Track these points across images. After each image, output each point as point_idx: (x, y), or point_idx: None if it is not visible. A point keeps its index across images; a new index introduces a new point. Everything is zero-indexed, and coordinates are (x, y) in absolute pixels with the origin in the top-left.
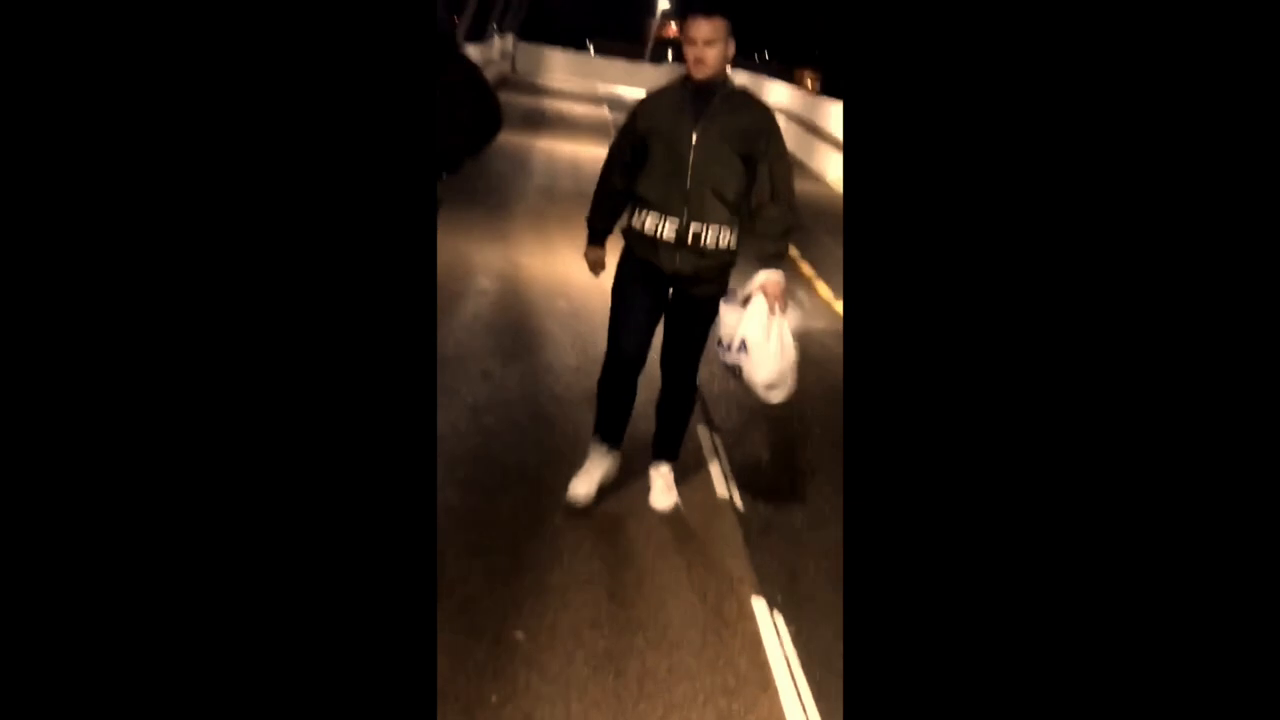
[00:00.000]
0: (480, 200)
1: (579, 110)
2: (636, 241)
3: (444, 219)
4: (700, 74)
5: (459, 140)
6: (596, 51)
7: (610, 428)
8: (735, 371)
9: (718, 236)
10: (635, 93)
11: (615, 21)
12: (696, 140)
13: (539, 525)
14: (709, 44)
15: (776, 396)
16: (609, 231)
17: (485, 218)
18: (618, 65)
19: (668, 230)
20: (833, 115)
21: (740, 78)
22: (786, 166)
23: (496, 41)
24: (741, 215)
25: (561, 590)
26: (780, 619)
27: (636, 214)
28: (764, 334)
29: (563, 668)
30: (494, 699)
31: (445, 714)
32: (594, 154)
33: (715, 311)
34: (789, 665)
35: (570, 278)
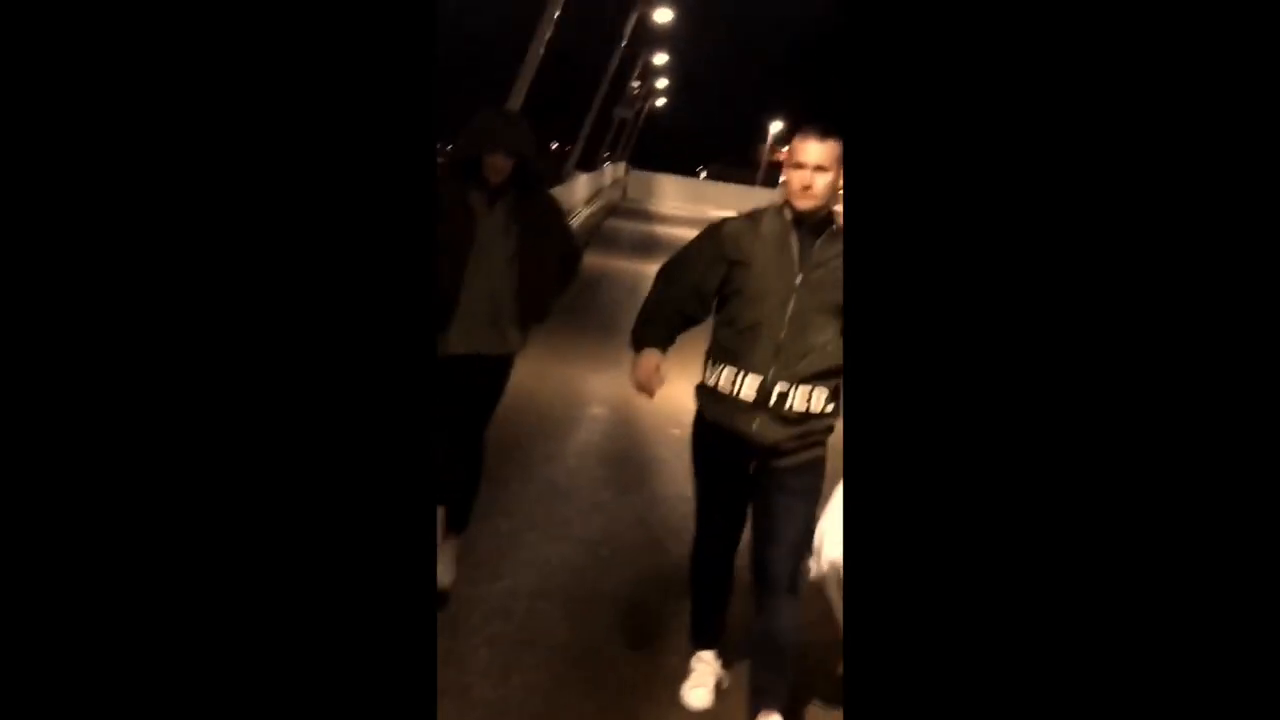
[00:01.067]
0: (592, 328)
1: (690, 235)
2: (710, 404)
3: (556, 345)
4: (805, 204)
5: (546, 284)
6: (708, 177)
7: (702, 630)
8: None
9: (809, 398)
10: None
11: (728, 147)
12: (800, 284)
13: (656, 660)
14: (820, 170)
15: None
16: (669, 340)
17: (597, 345)
18: (730, 189)
19: (747, 389)
20: None
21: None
22: None
23: (608, 170)
24: (840, 377)
25: None
26: None
27: (711, 368)
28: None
29: None
30: None
31: None
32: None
33: (815, 490)
34: None
35: (683, 404)
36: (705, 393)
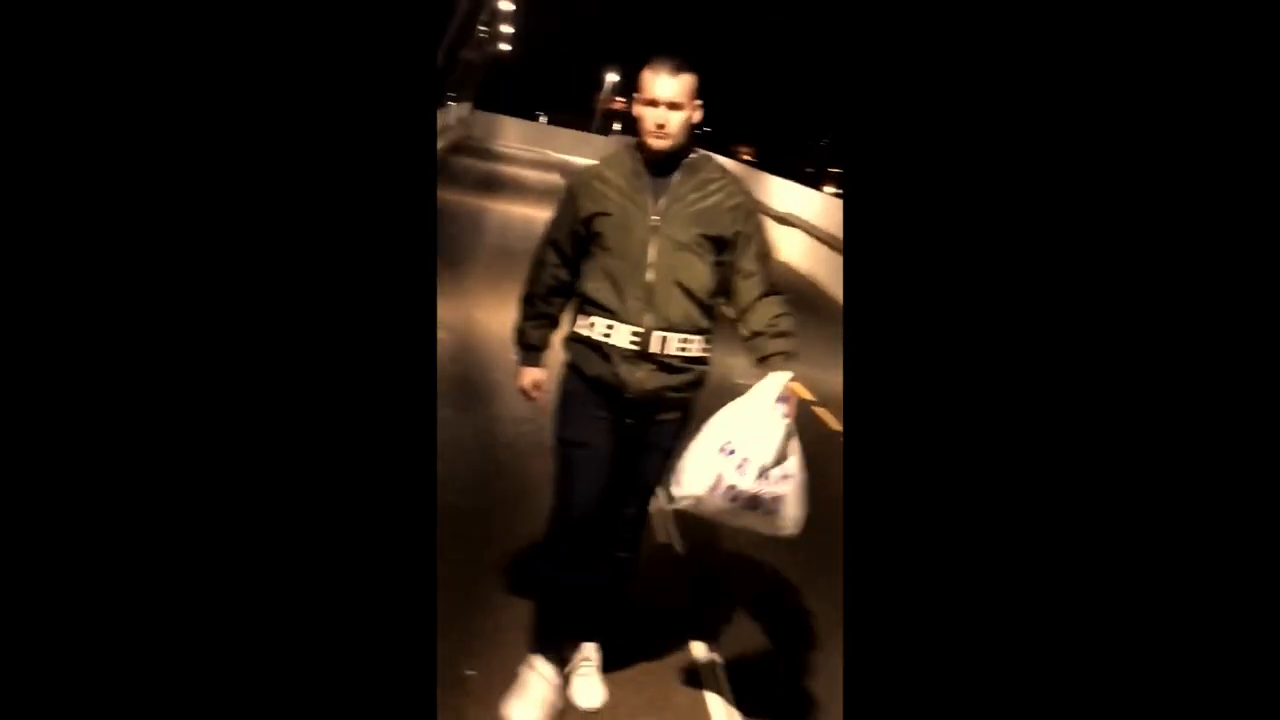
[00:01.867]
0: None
1: (532, 176)
2: (583, 356)
3: None
4: (660, 144)
5: None
6: (549, 122)
7: (553, 633)
8: (759, 504)
9: (685, 346)
10: (586, 161)
11: (567, 95)
12: (658, 224)
13: (482, 576)
14: (674, 107)
15: (772, 487)
16: (545, 345)
17: (442, 275)
18: (567, 134)
19: (621, 337)
20: (771, 188)
21: None
22: (770, 250)
23: (454, 109)
24: (713, 317)
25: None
26: None
27: (581, 319)
28: (759, 431)
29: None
30: None
31: None
32: (547, 217)
33: (672, 447)
34: None
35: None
36: (578, 345)
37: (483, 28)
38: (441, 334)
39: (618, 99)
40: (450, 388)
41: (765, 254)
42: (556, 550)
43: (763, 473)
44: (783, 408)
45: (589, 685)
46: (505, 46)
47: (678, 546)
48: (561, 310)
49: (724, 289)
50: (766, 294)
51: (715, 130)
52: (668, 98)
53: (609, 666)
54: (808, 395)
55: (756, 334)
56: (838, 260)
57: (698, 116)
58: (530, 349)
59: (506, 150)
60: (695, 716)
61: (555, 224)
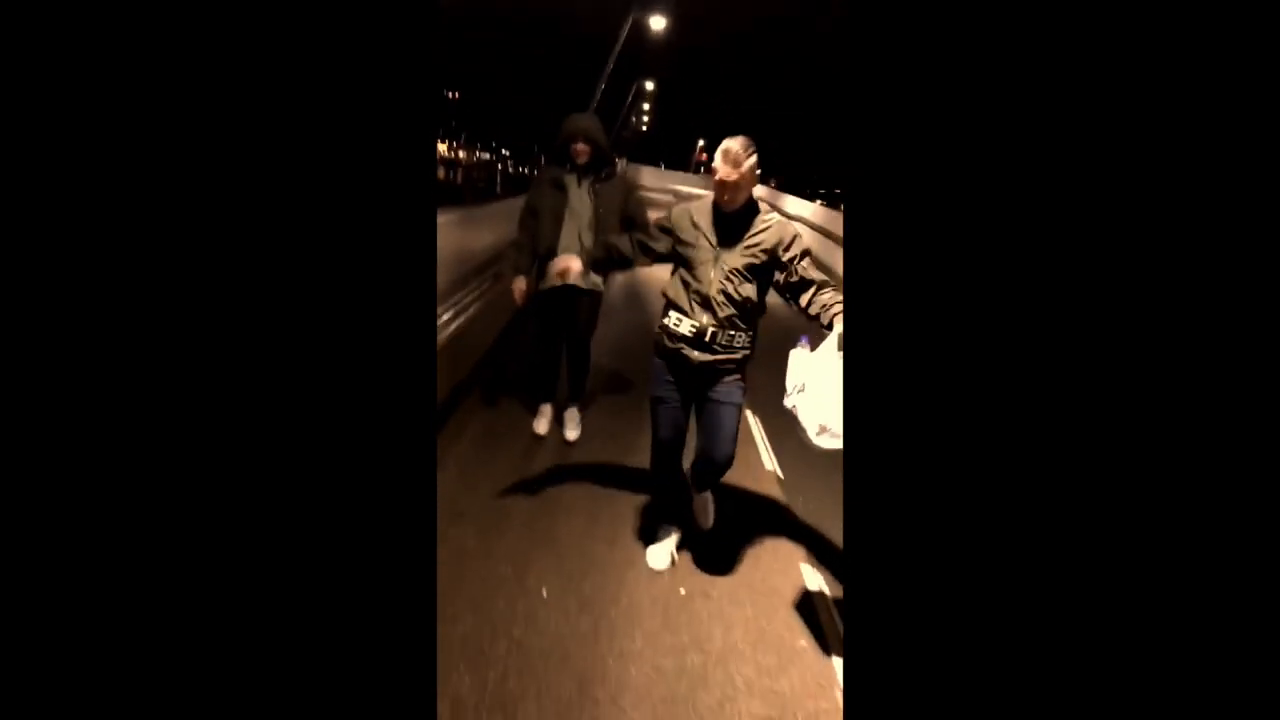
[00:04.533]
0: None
1: (657, 197)
2: (662, 336)
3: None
4: (724, 206)
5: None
6: (664, 167)
7: (666, 508)
8: (797, 417)
9: (731, 338)
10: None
11: (675, 151)
12: (720, 258)
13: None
14: (734, 180)
15: (827, 443)
16: (632, 253)
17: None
18: (677, 175)
19: (686, 328)
20: (788, 201)
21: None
22: (813, 256)
23: (618, 162)
24: (754, 320)
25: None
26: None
27: (664, 313)
28: (826, 377)
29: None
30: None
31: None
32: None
33: (738, 396)
34: None
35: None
36: (661, 330)
37: (634, 118)
38: (619, 278)
39: (703, 154)
40: (626, 295)
41: (812, 261)
42: (655, 468)
43: (787, 392)
44: (805, 347)
45: (663, 551)
46: (644, 128)
47: (779, 475)
48: (637, 258)
49: (784, 293)
50: (821, 284)
51: (764, 169)
52: (731, 176)
53: (723, 592)
54: None
55: (824, 308)
56: (828, 241)
57: (754, 186)
58: (601, 268)
59: (645, 183)
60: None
61: (657, 226)
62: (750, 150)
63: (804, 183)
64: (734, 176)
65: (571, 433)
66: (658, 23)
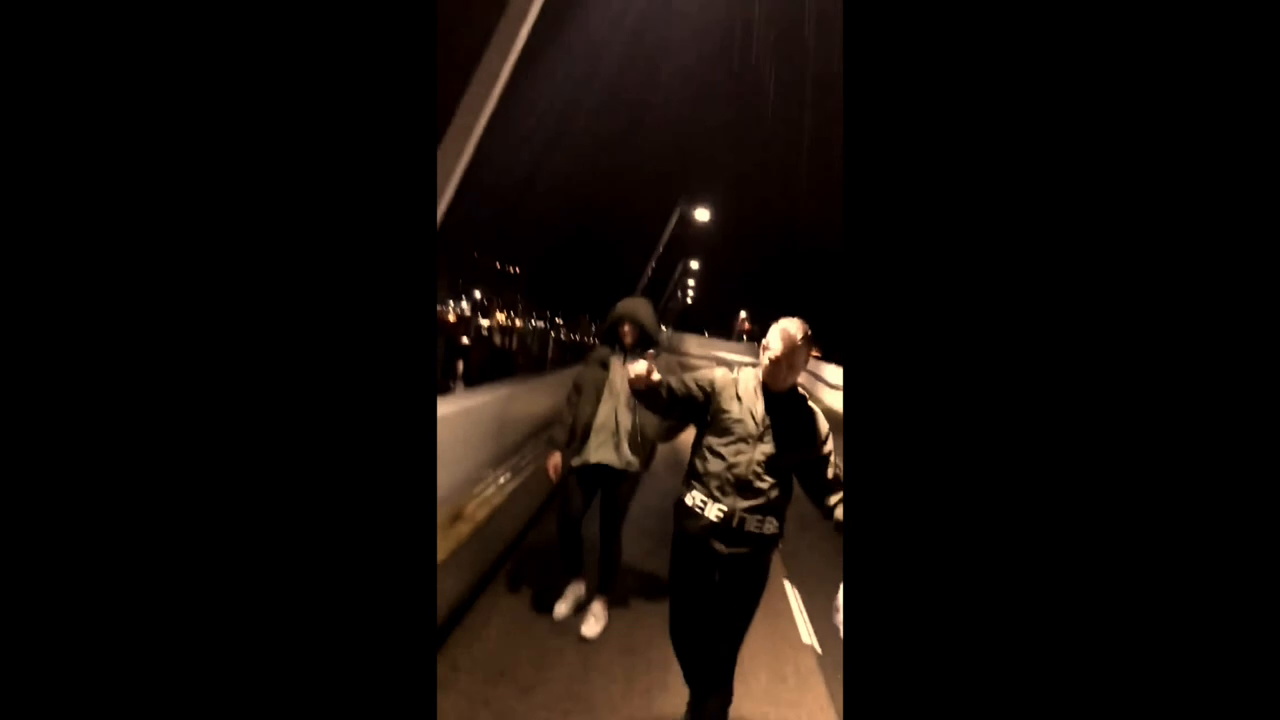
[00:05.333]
0: None
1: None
2: (684, 518)
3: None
4: (769, 381)
5: (652, 423)
6: (709, 335)
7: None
8: None
9: (761, 524)
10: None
11: (719, 320)
12: (761, 438)
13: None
14: (781, 359)
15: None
16: (672, 407)
17: None
18: (721, 343)
19: (714, 512)
20: (828, 371)
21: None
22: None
23: (664, 330)
24: (787, 504)
25: None
26: None
27: (687, 490)
28: None
29: None
30: None
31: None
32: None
33: (759, 587)
34: None
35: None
36: (682, 510)
37: (679, 292)
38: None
39: (746, 323)
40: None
41: (838, 462)
42: (678, 654)
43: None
44: None
45: None
46: (688, 301)
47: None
48: (676, 411)
49: (808, 487)
50: (839, 479)
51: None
52: (787, 357)
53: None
54: None
55: (835, 504)
56: None
57: (801, 366)
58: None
59: (689, 350)
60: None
61: (693, 382)
62: (807, 333)
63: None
64: (790, 358)
65: (590, 628)
66: (702, 214)
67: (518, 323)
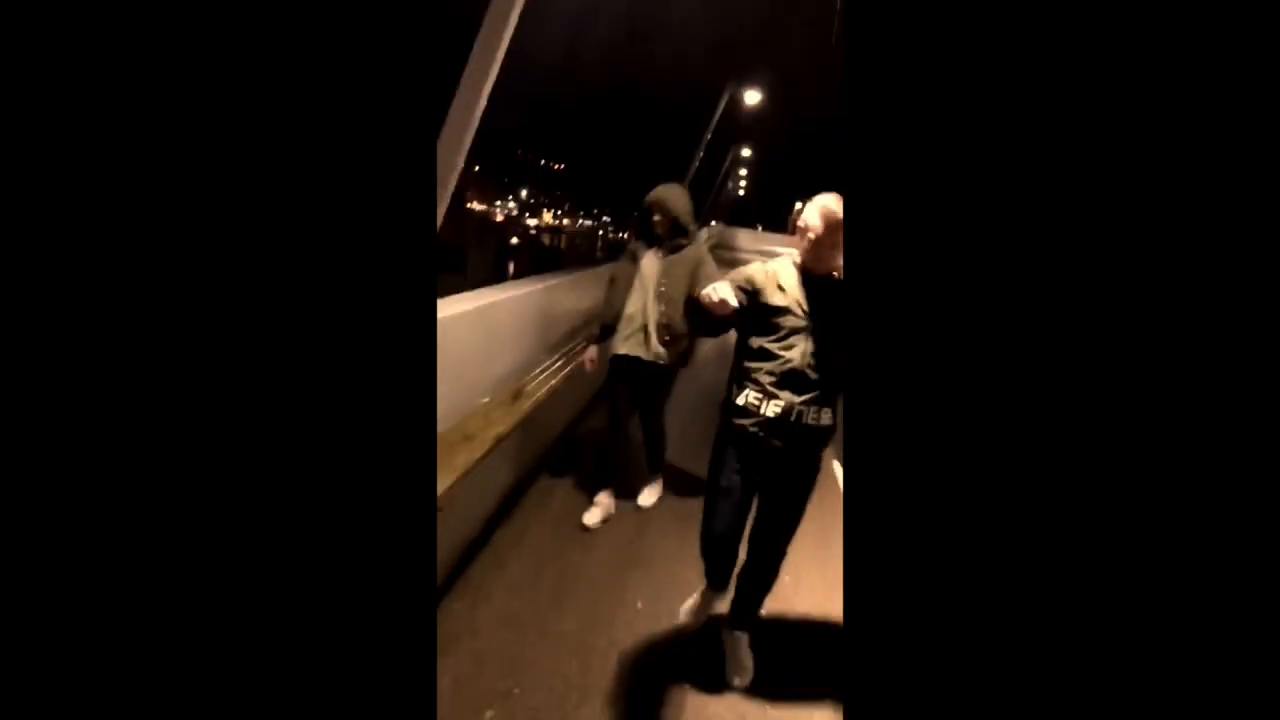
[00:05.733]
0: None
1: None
2: (737, 415)
3: None
4: (805, 262)
5: (676, 314)
6: (762, 229)
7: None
8: None
9: (819, 416)
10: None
11: (773, 213)
12: (808, 326)
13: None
14: (817, 236)
15: None
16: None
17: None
18: (775, 237)
19: (771, 409)
20: None
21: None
22: None
23: (715, 225)
24: (839, 390)
25: None
26: None
27: (737, 389)
28: None
29: None
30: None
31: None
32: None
33: (812, 483)
34: None
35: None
36: (733, 409)
37: (730, 183)
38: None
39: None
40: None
41: None
42: (707, 563)
43: None
44: None
45: (741, 663)
46: (740, 193)
47: None
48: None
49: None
50: None
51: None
52: (826, 235)
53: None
54: None
55: None
56: None
57: (843, 245)
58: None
59: (741, 245)
60: None
61: (730, 283)
62: (835, 222)
63: None
64: (833, 236)
65: (646, 499)
66: (752, 97)
67: (565, 221)
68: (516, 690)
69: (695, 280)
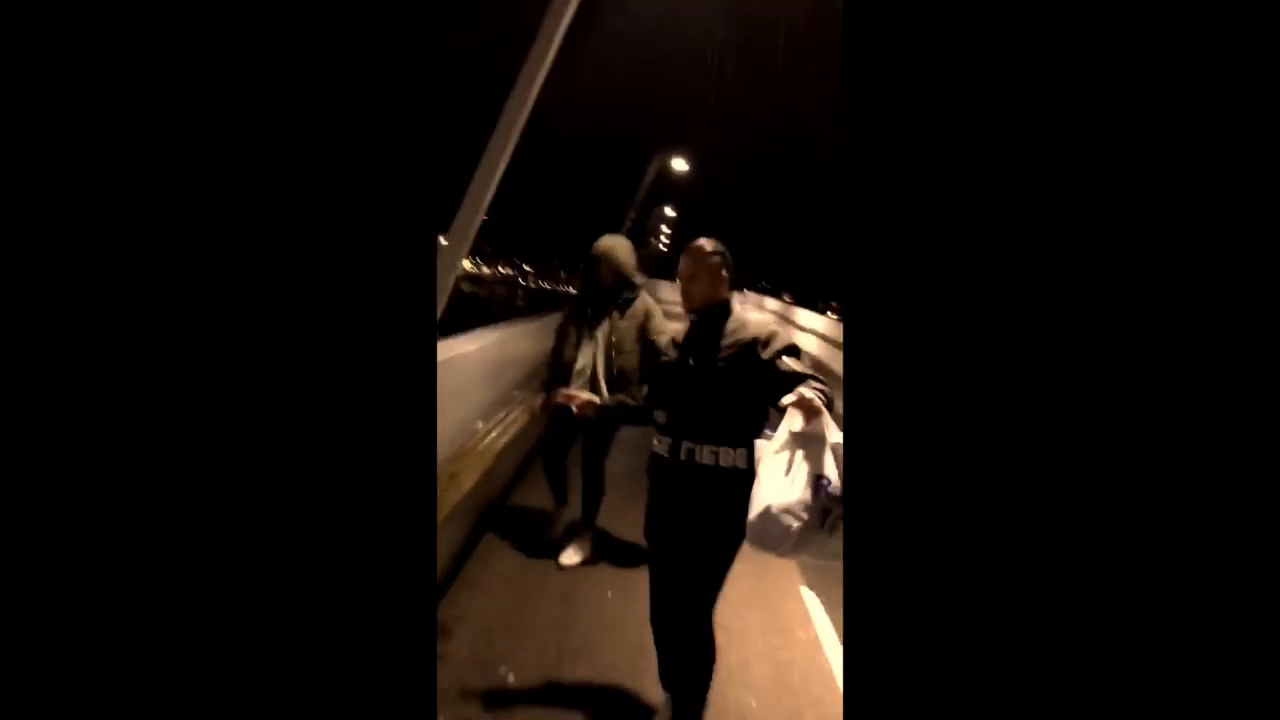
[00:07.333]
0: None
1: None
2: (650, 461)
3: None
4: (685, 308)
5: (627, 361)
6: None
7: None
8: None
9: (716, 458)
10: None
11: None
12: (691, 366)
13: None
14: (689, 280)
15: (760, 540)
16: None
17: None
18: None
19: (664, 448)
20: (800, 315)
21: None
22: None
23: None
24: (747, 433)
25: None
26: None
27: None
28: (780, 462)
29: None
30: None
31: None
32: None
33: (717, 542)
34: None
35: None
36: (649, 460)
37: (654, 239)
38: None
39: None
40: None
41: (798, 360)
42: (655, 626)
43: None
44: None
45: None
46: (663, 249)
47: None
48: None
49: (773, 403)
50: (807, 380)
51: (772, 284)
52: (691, 271)
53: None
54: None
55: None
56: (837, 352)
57: (722, 287)
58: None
59: (664, 297)
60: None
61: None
62: (715, 248)
63: (817, 297)
64: (694, 270)
65: (569, 557)
66: (679, 164)
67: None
68: (520, 653)
69: (645, 331)
